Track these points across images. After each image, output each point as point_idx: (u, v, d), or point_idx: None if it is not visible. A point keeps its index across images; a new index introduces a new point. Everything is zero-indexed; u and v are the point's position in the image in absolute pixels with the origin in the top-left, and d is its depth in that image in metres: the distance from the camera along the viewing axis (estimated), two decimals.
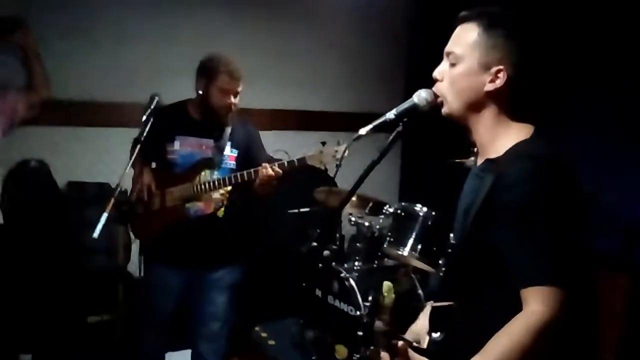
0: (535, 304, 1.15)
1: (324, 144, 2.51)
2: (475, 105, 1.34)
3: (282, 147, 4.02)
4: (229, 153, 2.58)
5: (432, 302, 1.41)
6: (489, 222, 1.24)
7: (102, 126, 3.48)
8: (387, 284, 1.34)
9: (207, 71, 2.50)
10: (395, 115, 1.45)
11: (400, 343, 1.26)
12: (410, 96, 1.46)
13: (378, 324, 1.28)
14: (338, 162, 2.31)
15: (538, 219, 1.18)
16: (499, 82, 1.30)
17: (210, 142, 2.56)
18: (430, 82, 1.44)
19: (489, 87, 1.31)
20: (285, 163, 2.45)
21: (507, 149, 1.29)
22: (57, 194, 3.24)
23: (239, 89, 2.52)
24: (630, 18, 3.03)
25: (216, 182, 2.48)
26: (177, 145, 2.54)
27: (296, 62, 4.20)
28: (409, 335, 1.52)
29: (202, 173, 2.53)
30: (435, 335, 1.36)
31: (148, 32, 3.55)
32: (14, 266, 2.87)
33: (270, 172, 2.39)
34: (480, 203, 1.26)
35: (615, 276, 2.88)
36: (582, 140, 3.17)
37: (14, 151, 3.14)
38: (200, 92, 2.51)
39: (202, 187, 2.49)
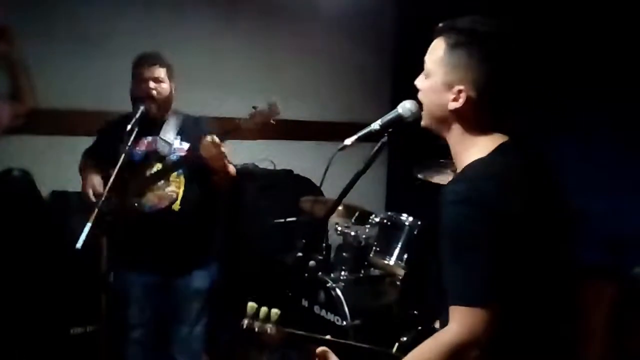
0: (452, 322, 1.18)
1: (255, 107, 2.51)
2: (443, 121, 1.35)
3: (268, 156, 4.02)
4: (179, 146, 2.59)
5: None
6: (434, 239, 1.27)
7: (87, 135, 3.44)
8: (250, 305, 1.36)
9: (132, 70, 2.58)
10: (380, 125, 1.47)
11: (320, 349, 1.28)
12: (396, 106, 1.47)
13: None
14: (273, 120, 2.44)
15: (458, 242, 1.20)
16: (460, 102, 1.30)
17: (157, 138, 2.58)
18: (415, 92, 1.45)
19: (452, 105, 1.31)
20: (226, 135, 2.45)
21: (463, 166, 1.31)
22: (41, 203, 3.20)
23: (157, 74, 2.53)
24: (615, 24, 3.07)
25: (161, 170, 2.51)
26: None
27: (283, 71, 4.20)
28: None
29: (153, 167, 2.55)
30: (404, 339, 1.38)
31: (135, 40, 3.52)
32: None
33: (211, 140, 2.37)
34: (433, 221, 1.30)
35: (602, 287, 2.90)
36: (570, 152, 3.20)
37: None
38: (130, 95, 2.56)
39: (150, 177, 2.51)
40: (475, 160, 1.28)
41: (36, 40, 3.15)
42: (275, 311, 1.33)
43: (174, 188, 2.55)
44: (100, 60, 3.43)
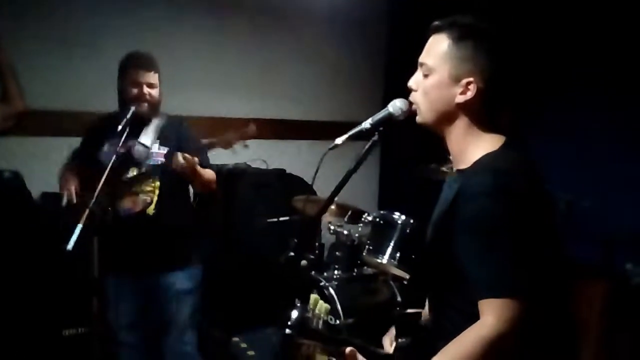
0: (488, 316, 1.17)
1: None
2: (447, 116, 1.35)
3: (261, 156, 4.01)
4: (157, 150, 2.56)
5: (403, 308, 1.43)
6: (450, 233, 1.26)
7: (77, 136, 3.42)
8: (313, 297, 1.35)
9: (119, 70, 2.53)
10: (371, 124, 1.47)
11: (348, 349, 1.26)
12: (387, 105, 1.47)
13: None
14: (245, 144, 2.46)
15: (493, 233, 1.20)
16: (469, 94, 1.31)
17: (135, 142, 2.53)
18: (406, 91, 1.45)
19: (460, 98, 1.32)
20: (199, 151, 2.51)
21: (475, 160, 1.30)
22: (32, 204, 3.18)
23: (152, 80, 2.50)
24: (607, 24, 3.09)
25: (138, 175, 2.50)
26: (105, 148, 2.52)
27: (275, 72, 4.20)
28: (388, 336, 1.54)
29: (129, 171, 2.53)
30: (402, 340, 1.37)
31: (125, 41, 3.51)
32: None
33: (181, 160, 2.38)
34: (443, 214, 1.28)
35: (594, 284, 2.92)
36: (562, 149, 3.22)
37: None
38: (118, 92, 2.54)
39: (127, 182, 2.50)
40: (489, 154, 1.29)
41: (26, 41, 3.14)
42: (326, 306, 1.32)
43: (149, 193, 2.54)
44: (90, 61, 3.42)
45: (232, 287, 3.53)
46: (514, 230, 1.19)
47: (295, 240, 2.86)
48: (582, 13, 3.17)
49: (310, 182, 2.07)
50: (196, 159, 2.41)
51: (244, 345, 3.33)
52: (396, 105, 1.44)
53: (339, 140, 1.49)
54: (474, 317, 1.20)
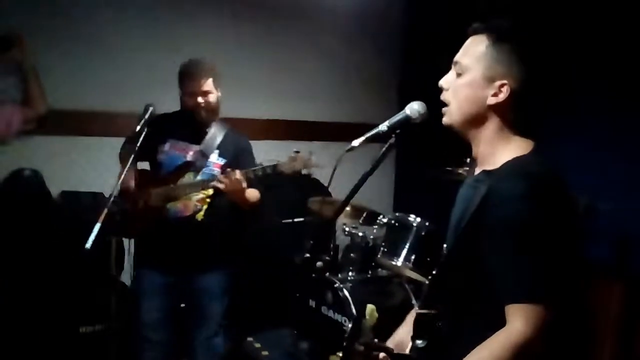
0: (517, 321, 1.16)
1: (297, 152, 2.52)
2: (477, 118, 1.34)
3: (275, 157, 4.00)
4: (215, 160, 2.63)
5: (416, 308, 1.43)
6: (478, 235, 1.25)
7: (96, 135, 3.48)
8: (370, 307, 1.36)
9: (178, 78, 2.60)
10: (387, 127, 1.47)
11: (381, 355, 1.27)
12: (404, 107, 1.48)
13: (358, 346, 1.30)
14: (310, 171, 2.46)
15: (525, 237, 1.19)
16: (502, 96, 1.30)
17: (197, 147, 2.61)
18: (423, 94, 1.46)
19: (492, 100, 1.31)
20: (259, 170, 2.50)
21: (504, 162, 1.29)
22: (51, 203, 3.22)
23: (205, 88, 2.55)
24: (632, 31, 3.06)
25: (192, 185, 2.55)
26: (167, 146, 2.61)
27: (290, 72, 4.20)
28: (392, 339, 1.54)
29: (185, 176, 2.59)
30: (419, 342, 1.37)
31: (144, 41, 3.55)
32: (5, 276, 2.85)
33: (238, 176, 2.42)
34: (471, 215, 1.27)
35: (610, 285, 2.89)
36: (579, 150, 3.19)
37: (7, 160, 3.13)
38: (180, 103, 2.61)
39: (181, 187, 2.55)
40: (519, 158, 1.28)
41: (47, 42, 3.17)
42: (376, 316, 1.34)
43: (201, 199, 2.60)
44: (111, 61, 3.45)
45: (246, 287, 3.54)
46: (545, 236, 1.19)
47: (311, 242, 2.88)
48: (600, 14, 3.15)
49: (325, 184, 2.08)
50: (244, 183, 2.45)
51: (258, 345, 3.35)
52: (414, 108, 1.44)
53: (355, 143, 1.50)
54: (493, 322, 1.19)
